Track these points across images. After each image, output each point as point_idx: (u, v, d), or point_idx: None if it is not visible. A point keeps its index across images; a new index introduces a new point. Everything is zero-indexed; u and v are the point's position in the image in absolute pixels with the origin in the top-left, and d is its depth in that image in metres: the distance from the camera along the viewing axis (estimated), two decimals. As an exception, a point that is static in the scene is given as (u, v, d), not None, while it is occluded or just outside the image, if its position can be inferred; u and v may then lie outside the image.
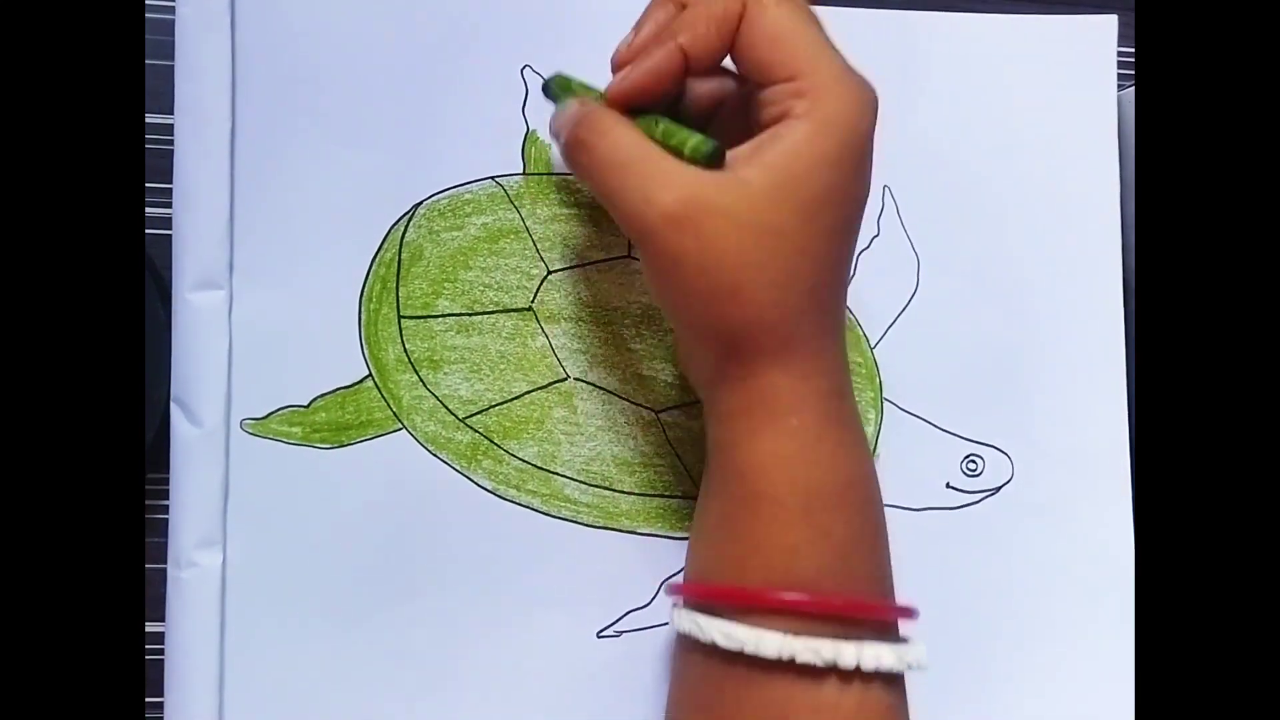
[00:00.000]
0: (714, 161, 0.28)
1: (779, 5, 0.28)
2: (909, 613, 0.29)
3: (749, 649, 0.26)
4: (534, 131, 0.36)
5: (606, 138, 0.28)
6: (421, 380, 0.35)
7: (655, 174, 0.27)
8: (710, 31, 0.28)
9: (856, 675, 0.27)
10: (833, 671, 0.27)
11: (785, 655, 0.26)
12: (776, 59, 0.28)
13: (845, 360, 0.29)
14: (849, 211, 0.28)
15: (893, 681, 0.28)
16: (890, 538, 0.36)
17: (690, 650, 0.29)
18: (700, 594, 0.29)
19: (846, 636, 0.27)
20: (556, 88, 0.32)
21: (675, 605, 0.29)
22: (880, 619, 0.28)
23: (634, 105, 0.29)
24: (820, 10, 0.37)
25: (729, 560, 0.28)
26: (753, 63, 0.28)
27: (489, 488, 0.35)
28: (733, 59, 0.29)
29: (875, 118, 0.28)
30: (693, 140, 0.28)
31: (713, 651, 0.27)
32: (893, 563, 0.35)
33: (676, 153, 0.28)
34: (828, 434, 0.28)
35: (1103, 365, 0.37)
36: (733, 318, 0.27)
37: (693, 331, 0.29)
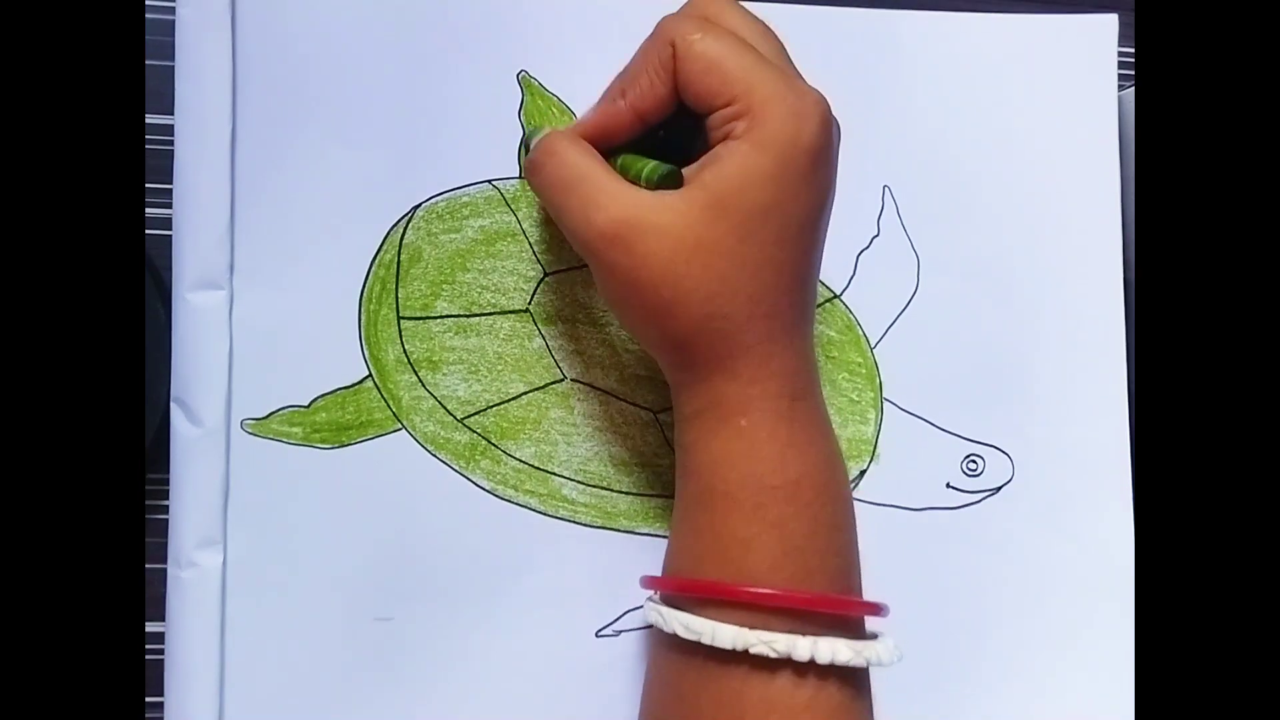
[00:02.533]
0: (668, 185, 0.29)
1: (704, 39, 0.29)
2: (874, 609, 0.29)
3: (705, 640, 0.27)
4: (531, 135, 0.36)
5: (554, 158, 0.30)
6: (420, 381, 0.35)
7: (595, 194, 0.29)
8: (652, 82, 0.29)
9: (811, 669, 0.27)
10: (787, 665, 0.27)
11: (739, 646, 0.27)
12: (711, 87, 0.28)
13: (804, 362, 0.30)
14: (798, 222, 0.29)
15: (852, 678, 0.28)
16: (890, 538, 0.36)
17: (658, 642, 0.30)
18: (665, 586, 0.30)
19: (803, 631, 0.27)
20: (530, 123, 0.35)
21: (649, 598, 0.30)
22: (840, 614, 0.28)
23: (597, 144, 0.31)
24: (821, 10, 0.37)
25: (691, 555, 0.29)
26: (693, 96, 0.29)
27: (487, 488, 0.35)
28: (680, 97, 0.30)
29: (820, 128, 0.28)
30: (647, 168, 0.29)
31: (676, 643, 0.28)
32: (893, 563, 0.35)
33: (635, 182, 0.29)
34: (778, 433, 0.29)
35: (1103, 365, 0.37)
36: (671, 331, 0.29)
37: (642, 342, 0.31)
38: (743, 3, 0.36)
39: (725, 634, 0.27)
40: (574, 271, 0.36)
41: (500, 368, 0.35)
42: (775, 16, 0.37)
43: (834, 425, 0.36)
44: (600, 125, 0.31)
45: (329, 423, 0.34)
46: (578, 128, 0.31)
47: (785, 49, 0.30)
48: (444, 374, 0.35)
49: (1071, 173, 0.38)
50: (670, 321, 0.29)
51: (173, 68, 0.34)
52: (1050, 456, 0.37)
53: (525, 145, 0.34)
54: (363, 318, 0.35)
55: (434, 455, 0.35)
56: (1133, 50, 0.39)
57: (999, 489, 0.37)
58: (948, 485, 0.36)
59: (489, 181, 0.35)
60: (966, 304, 0.37)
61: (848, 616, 0.28)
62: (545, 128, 0.33)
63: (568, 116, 0.36)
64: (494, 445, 0.35)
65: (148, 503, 0.34)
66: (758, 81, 0.28)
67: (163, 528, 0.33)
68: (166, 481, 0.33)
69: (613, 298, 0.30)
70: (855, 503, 0.36)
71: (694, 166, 0.29)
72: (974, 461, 0.37)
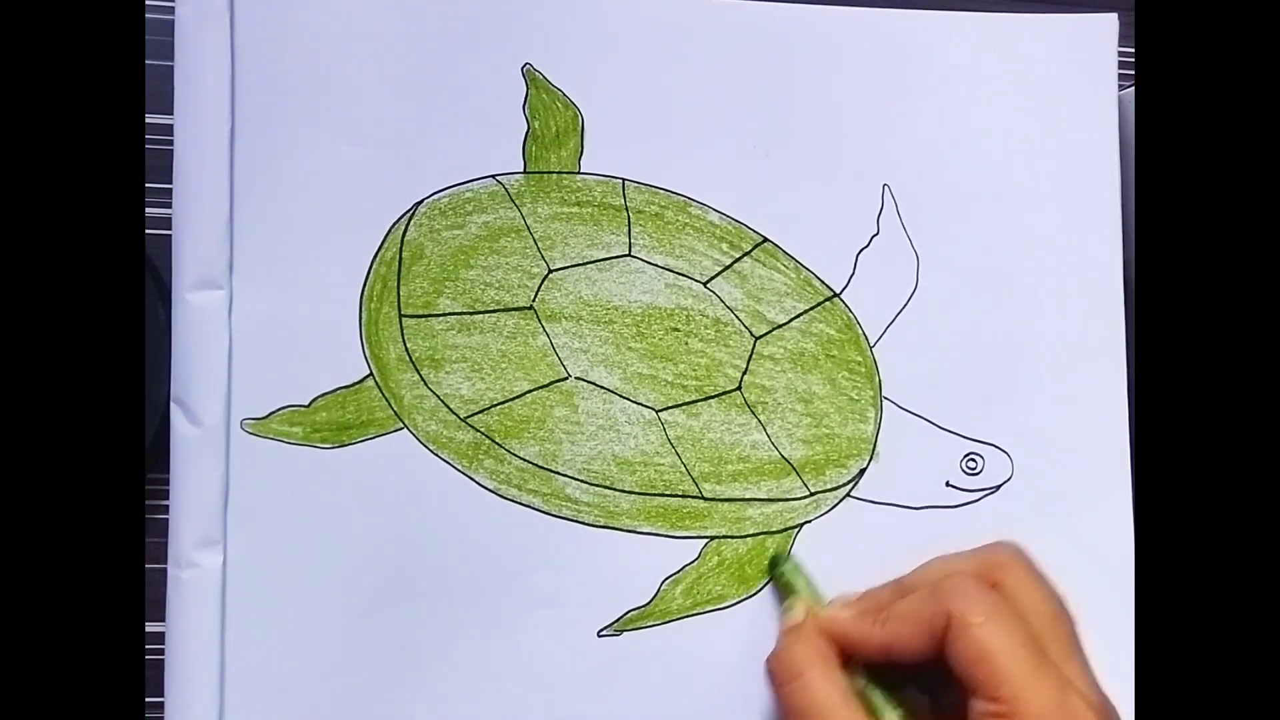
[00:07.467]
0: None
1: (985, 624, 0.28)
2: None
3: None
4: (535, 129, 0.36)
5: (799, 683, 0.30)
6: (423, 379, 0.35)
7: None
8: (914, 634, 0.29)
9: None
10: None
11: None
12: (980, 678, 0.28)
13: None
14: None
15: None
16: (890, 536, 0.36)
17: None
18: None
19: None
20: (785, 573, 0.34)
21: None
22: None
23: (838, 645, 0.31)
24: (821, 10, 0.37)
25: None
26: (960, 673, 0.28)
27: (490, 487, 0.35)
28: (945, 661, 0.29)
29: None
30: (889, 717, 0.31)
31: None
32: (893, 561, 0.35)
33: (870, 715, 0.30)
34: None
35: (1103, 364, 0.37)
36: None
37: None
38: (747, 4, 0.37)
39: None
40: (578, 268, 0.36)
41: (504, 365, 0.35)
42: (775, 16, 0.37)
43: (833, 424, 0.36)
44: (848, 638, 0.31)
45: (329, 422, 0.34)
46: (829, 623, 0.31)
47: (1076, 628, 0.30)
48: (446, 372, 0.35)
49: (1071, 173, 0.38)
50: None
51: (173, 68, 0.34)
52: (1050, 455, 0.37)
53: (772, 567, 0.35)
54: (364, 316, 0.35)
55: (436, 455, 0.34)
56: (1133, 50, 0.39)
57: (999, 487, 0.37)
58: (947, 484, 0.37)
59: (493, 176, 0.35)
60: (966, 303, 0.37)
61: None
62: (797, 603, 0.33)
63: (572, 111, 0.36)
64: (497, 444, 0.35)
65: (148, 503, 0.34)
66: (1032, 692, 0.27)
67: (163, 528, 0.33)
68: (166, 481, 0.33)
69: None
70: (855, 501, 0.36)
71: None
72: (974, 460, 0.37)
